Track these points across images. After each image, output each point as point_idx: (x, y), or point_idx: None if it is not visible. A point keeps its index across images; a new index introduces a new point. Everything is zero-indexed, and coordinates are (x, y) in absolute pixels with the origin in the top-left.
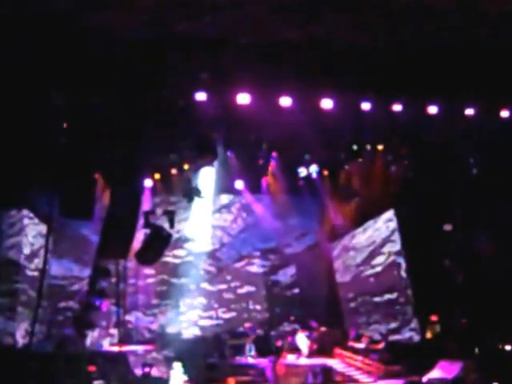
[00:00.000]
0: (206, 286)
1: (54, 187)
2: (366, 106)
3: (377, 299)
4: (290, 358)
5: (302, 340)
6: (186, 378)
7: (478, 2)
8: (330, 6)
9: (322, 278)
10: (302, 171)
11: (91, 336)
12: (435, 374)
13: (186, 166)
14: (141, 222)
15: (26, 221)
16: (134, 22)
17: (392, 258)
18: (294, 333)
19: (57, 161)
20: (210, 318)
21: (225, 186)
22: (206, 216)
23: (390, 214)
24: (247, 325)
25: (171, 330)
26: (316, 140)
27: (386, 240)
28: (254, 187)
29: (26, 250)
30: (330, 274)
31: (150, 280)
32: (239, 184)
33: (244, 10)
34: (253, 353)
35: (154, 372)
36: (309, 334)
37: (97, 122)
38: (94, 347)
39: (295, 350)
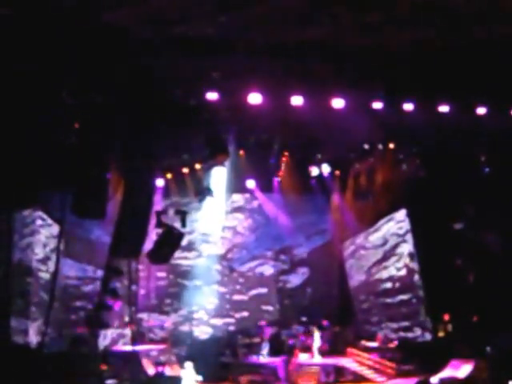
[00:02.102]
0: (217, 287)
1: (66, 187)
2: (377, 105)
3: (389, 299)
4: (303, 357)
5: (316, 340)
6: (197, 377)
7: (491, 1)
8: (342, 6)
9: (334, 277)
10: (314, 170)
11: (104, 335)
12: (447, 372)
13: (197, 166)
14: (153, 221)
15: (38, 222)
16: (146, 21)
17: (404, 257)
18: (306, 332)
19: (68, 161)
20: (222, 317)
21: (236, 186)
22: (218, 216)
23: (402, 213)
24: (262, 322)
25: (184, 329)
26: (327, 139)
27: (399, 240)
28: (266, 187)
29: (39, 251)
30: (341, 273)
31: (162, 281)
32: (251, 183)
33: (256, 10)
34: (266, 351)
35: (167, 371)
36: (321, 334)
37: (109, 121)
38: (108, 347)
39: (307, 349)
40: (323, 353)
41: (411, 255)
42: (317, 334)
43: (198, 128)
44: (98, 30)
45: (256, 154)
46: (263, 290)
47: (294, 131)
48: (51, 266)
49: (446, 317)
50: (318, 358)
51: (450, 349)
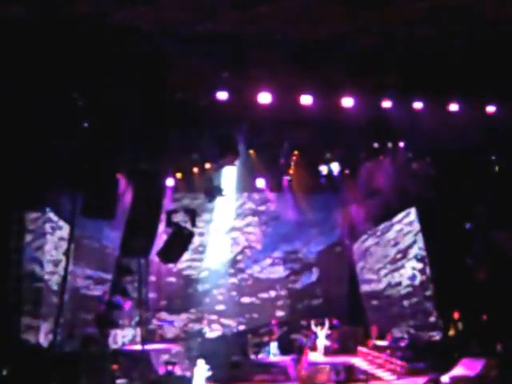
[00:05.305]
0: (227, 288)
1: (76, 188)
2: (386, 104)
3: (399, 297)
4: (313, 357)
5: (320, 338)
6: (209, 374)
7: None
8: (352, 6)
9: (344, 276)
10: (324, 169)
11: (114, 336)
12: (458, 371)
13: (207, 165)
14: (163, 221)
15: (50, 224)
16: (156, 21)
17: (415, 256)
18: (308, 330)
19: (79, 161)
20: (232, 318)
21: (246, 185)
22: (228, 217)
23: (412, 212)
24: (273, 321)
25: (194, 329)
26: (337, 138)
27: (409, 239)
28: (276, 186)
29: (50, 253)
30: (352, 272)
31: (172, 282)
32: (261, 183)
33: (266, 10)
34: (276, 350)
35: (177, 370)
36: (331, 333)
37: (119, 121)
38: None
39: (317, 348)
40: (334, 352)
41: (421, 254)
42: (321, 333)
43: (208, 127)
44: (109, 31)
45: (266, 153)
46: (273, 291)
47: (304, 130)
48: (62, 265)
49: (457, 315)
50: (319, 356)
51: (460, 347)
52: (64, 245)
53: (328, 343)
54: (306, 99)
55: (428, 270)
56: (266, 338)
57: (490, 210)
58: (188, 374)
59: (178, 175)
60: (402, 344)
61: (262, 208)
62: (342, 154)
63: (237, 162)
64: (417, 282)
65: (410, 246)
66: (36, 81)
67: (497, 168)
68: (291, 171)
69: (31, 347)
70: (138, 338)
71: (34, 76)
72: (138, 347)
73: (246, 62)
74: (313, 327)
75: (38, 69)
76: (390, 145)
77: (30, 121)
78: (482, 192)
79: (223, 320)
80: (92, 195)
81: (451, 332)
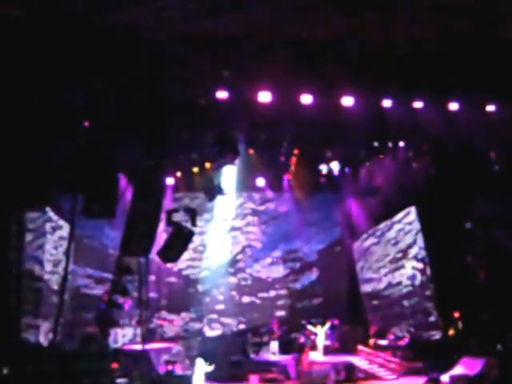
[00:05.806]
0: (228, 288)
1: (76, 188)
2: (387, 103)
3: (399, 297)
4: (313, 356)
5: (320, 338)
6: (209, 370)
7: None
8: (352, 5)
9: (344, 276)
10: (324, 168)
11: (115, 335)
12: (458, 370)
13: (207, 165)
14: (163, 220)
15: (50, 223)
16: (157, 20)
17: (415, 255)
18: (309, 330)
19: (79, 161)
20: (232, 317)
21: (246, 184)
22: (228, 216)
23: (412, 211)
24: (273, 321)
25: (194, 328)
26: (337, 137)
27: (409, 238)
28: (276, 185)
29: (51, 252)
30: (351, 272)
31: (173, 282)
32: (261, 182)
33: (266, 9)
34: (276, 350)
35: (177, 369)
36: (331, 332)
37: (119, 121)
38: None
39: (317, 347)
40: (334, 351)
41: (421, 253)
42: (321, 332)
43: (208, 127)
44: (109, 30)
45: (266, 152)
46: (273, 290)
47: (304, 129)
48: (62, 265)
49: (457, 314)
50: (319, 356)
51: (460, 346)
52: (64, 244)
53: (328, 342)
54: (306, 98)
55: (428, 270)
56: (266, 338)
57: (490, 209)
58: (188, 373)
59: (178, 174)
60: (402, 343)
61: (262, 207)
62: (342, 152)
63: (237, 161)
64: (417, 281)
65: (410, 246)
66: (36, 81)
67: (497, 167)
68: (291, 170)
69: (31, 346)
70: (139, 338)
71: (34, 76)
72: (139, 346)
73: (245, 62)
74: (311, 327)
75: (37, 69)
76: (390, 144)
77: (29, 121)
78: (482, 191)
79: (223, 319)
80: (92, 195)
81: (451, 331)
